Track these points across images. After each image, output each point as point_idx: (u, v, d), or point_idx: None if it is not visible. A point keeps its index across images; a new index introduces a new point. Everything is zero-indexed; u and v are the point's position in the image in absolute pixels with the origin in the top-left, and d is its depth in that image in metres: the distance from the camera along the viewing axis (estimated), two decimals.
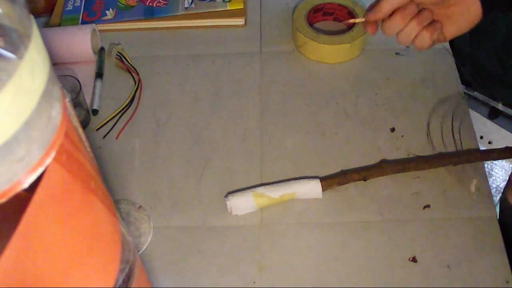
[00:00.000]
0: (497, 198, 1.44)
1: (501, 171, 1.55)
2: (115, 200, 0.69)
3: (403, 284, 0.61)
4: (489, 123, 1.57)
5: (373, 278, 0.62)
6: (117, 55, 0.85)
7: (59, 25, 0.90)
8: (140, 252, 0.65)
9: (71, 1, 0.93)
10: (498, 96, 1.46)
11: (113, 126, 0.77)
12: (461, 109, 0.76)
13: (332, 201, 0.68)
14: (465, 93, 0.79)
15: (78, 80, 0.75)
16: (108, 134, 0.77)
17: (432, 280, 0.61)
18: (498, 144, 1.53)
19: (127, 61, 0.84)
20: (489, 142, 1.57)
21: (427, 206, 0.67)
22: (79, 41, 0.83)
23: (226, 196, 0.68)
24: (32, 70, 0.24)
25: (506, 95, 1.42)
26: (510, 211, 0.78)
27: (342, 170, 0.70)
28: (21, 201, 0.25)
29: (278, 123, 0.77)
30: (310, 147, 0.74)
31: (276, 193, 0.67)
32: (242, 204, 0.66)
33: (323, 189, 0.67)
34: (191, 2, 0.91)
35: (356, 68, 0.83)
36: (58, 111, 0.27)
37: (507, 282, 0.61)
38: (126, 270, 0.37)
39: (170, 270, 0.64)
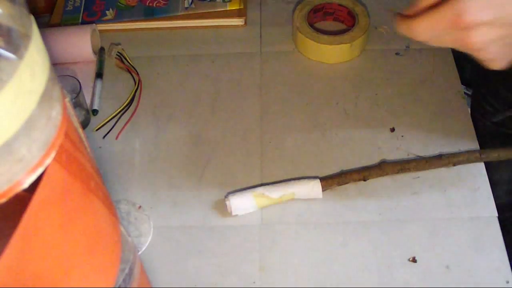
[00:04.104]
0: None
1: None
2: (115, 200, 0.69)
3: (403, 284, 0.61)
4: None
5: (373, 278, 0.62)
6: (117, 55, 0.85)
7: (59, 25, 0.90)
8: (140, 252, 0.65)
9: (71, 1, 0.93)
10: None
11: (113, 126, 0.77)
12: (461, 109, 0.76)
13: (332, 201, 0.68)
14: (465, 93, 0.79)
15: (78, 80, 0.75)
16: (108, 134, 0.77)
17: (432, 280, 0.61)
18: None
19: (127, 61, 0.84)
20: None
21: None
22: (79, 41, 0.83)
23: (226, 196, 0.68)
24: (32, 70, 0.24)
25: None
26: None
27: (342, 170, 0.70)
28: (21, 201, 0.25)
29: (278, 123, 0.77)
30: (310, 147, 0.74)
31: (276, 193, 0.67)
32: (242, 204, 0.66)
33: (323, 189, 0.67)
34: (191, 2, 0.91)
35: (356, 68, 0.83)
36: (58, 111, 0.27)
37: (507, 282, 0.61)
38: (126, 270, 0.37)
39: (170, 270, 0.64)
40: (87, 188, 0.30)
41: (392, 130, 0.75)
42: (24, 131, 0.24)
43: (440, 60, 0.83)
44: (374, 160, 0.72)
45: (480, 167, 0.70)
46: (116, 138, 0.76)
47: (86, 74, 0.83)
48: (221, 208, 0.68)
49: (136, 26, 0.90)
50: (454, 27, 0.43)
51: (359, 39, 0.82)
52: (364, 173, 0.69)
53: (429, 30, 0.45)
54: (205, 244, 0.65)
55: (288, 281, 0.62)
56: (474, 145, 0.72)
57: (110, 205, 0.35)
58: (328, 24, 0.89)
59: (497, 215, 0.66)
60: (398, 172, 0.69)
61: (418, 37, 0.46)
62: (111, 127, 0.77)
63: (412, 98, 0.79)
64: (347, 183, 0.69)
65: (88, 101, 0.79)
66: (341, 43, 0.81)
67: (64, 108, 0.28)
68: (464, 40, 0.44)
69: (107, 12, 0.91)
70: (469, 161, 0.70)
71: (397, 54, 0.84)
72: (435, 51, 0.84)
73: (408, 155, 0.72)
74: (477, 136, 0.73)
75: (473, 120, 0.75)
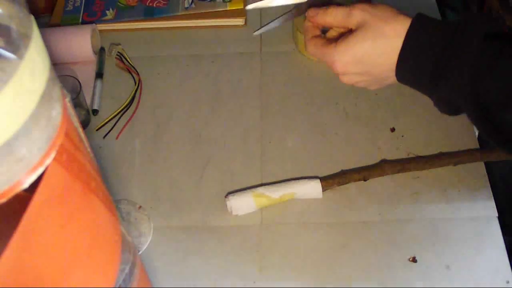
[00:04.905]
0: None
1: None
2: (115, 200, 0.69)
3: (403, 284, 0.61)
4: None
5: (373, 278, 0.62)
6: (117, 55, 0.85)
7: (59, 25, 0.90)
8: (140, 252, 0.65)
9: (71, 1, 0.93)
10: None
11: (113, 126, 0.77)
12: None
13: (332, 201, 0.68)
14: None
15: (78, 80, 0.75)
16: (108, 134, 0.77)
17: (432, 280, 0.61)
18: None
19: (127, 61, 0.84)
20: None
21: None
22: (79, 41, 0.83)
23: (226, 196, 0.68)
24: (32, 70, 0.24)
25: None
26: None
27: (342, 170, 0.70)
28: (21, 201, 0.25)
29: (278, 123, 0.77)
30: (310, 147, 0.74)
31: (276, 193, 0.67)
32: (242, 204, 0.66)
33: (323, 189, 0.67)
34: (191, 2, 0.91)
35: None
36: (58, 111, 0.27)
37: (507, 282, 0.61)
38: (126, 270, 0.37)
39: (170, 270, 0.64)
40: (87, 188, 0.30)
41: (392, 130, 0.75)
42: (24, 131, 0.24)
43: None
44: (374, 160, 0.72)
45: (480, 167, 0.70)
46: (116, 138, 0.76)
47: (86, 74, 0.83)
48: (221, 208, 0.68)
49: (136, 26, 0.90)
50: (330, 68, 0.59)
51: None
52: (364, 173, 0.69)
53: (315, 55, 0.60)
54: (205, 244, 0.65)
55: (288, 281, 0.62)
56: (474, 145, 0.72)
57: (111, 205, 0.35)
58: None
59: (497, 215, 0.66)
60: (398, 172, 0.69)
61: (308, 52, 0.61)
62: (111, 127, 0.77)
63: (412, 98, 0.78)
64: (347, 183, 0.69)
65: (88, 101, 0.79)
66: None
67: (64, 108, 0.28)
68: (338, 78, 0.60)
69: (107, 12, 0.91)
70: (469, 161, 0.70)
71: None
72: None
73: (408, 155, 0.72)
74: (477, 136, 0.73)
75: None
